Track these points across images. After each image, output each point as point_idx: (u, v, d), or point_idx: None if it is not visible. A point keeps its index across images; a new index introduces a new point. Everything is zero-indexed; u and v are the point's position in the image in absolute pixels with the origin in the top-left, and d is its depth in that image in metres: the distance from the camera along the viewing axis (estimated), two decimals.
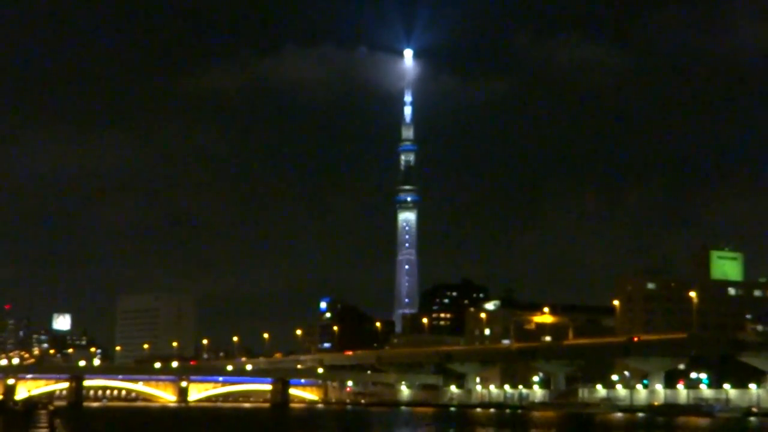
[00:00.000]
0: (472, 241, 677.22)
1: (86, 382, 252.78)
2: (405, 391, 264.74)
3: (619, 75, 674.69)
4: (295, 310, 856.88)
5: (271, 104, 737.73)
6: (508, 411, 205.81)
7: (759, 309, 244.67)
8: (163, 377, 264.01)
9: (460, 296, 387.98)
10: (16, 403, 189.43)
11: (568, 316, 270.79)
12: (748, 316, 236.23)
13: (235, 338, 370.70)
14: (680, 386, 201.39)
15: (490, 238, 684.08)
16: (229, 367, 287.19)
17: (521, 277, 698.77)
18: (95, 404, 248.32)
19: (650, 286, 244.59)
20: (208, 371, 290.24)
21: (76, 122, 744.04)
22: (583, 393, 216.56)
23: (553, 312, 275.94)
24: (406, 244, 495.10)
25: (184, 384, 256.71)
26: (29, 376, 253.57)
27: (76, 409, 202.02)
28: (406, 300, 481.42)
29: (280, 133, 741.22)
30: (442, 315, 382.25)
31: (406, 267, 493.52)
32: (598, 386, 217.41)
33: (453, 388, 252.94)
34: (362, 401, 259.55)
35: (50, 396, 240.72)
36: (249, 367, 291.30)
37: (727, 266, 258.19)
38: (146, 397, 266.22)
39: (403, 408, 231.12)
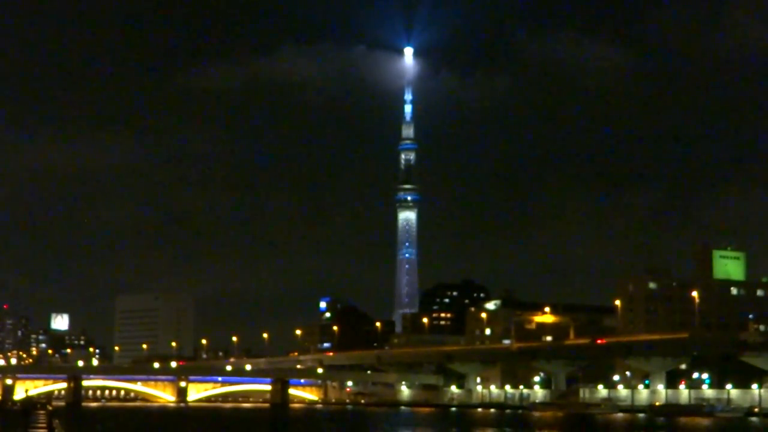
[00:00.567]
0: (473, 240, 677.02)
1: (85, 382, 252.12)
2: (405, 391, 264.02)
3: (620, 74, 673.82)
4: (294, 310, 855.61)
5: (270, 103, 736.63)
6: (508, 411, 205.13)
7: (761, 309, 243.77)
8: (162, 377, 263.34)
9: (461, 296, 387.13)
10: (14, 403, 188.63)
11: (569, 316, 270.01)
12: (751, 316, 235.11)
13: (234, 338, 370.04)
14: (682, 386, 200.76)
15: (491, 238, 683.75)
16: (229, 367, 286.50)
17: (522, 277, 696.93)
18: (94, 404, 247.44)
19: (652, 285, 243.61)
20: (207, 371, 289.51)
21: (74, 122, 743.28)
22: (584, 393, 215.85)
23: (554, 312, 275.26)
24: (407, 244, 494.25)
25: (183, 384, 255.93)
26: (28, 376, 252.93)
27: (75, 410, 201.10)
28: (406, 300, 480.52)
29: (279, 132, 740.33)
30: (443, 315, 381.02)
31: (406, 266, 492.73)
32: (600, 386, 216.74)
33: (453, 388, 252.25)
34: (362, 401, 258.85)
35: (49, 396, 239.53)
36: (248, 367, 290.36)
37: (729, 266, 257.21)
38: (145, 397, 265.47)
39: (403, 408, 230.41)
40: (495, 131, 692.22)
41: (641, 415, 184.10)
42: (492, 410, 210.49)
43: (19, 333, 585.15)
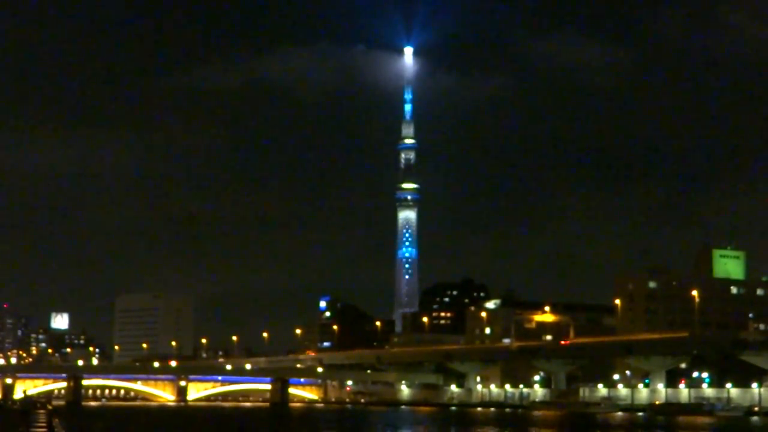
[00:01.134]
0: (473, 239, 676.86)
1: (85, 382, 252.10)
2: (405, 390, 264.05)
3: (619, 73, 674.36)
4: (294, 310, 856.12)
5: (270, 103, 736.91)
6: (508, 410, 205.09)
7: (761, 308, 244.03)
8: (162, 377, 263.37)
9: (461, 295, 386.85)
10: (14, 402, 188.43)
11: (569, 315, 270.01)
12: (751, 315, 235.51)
13: (234, 337, 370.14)
14: (682, 385, 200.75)
15: (491, 237, 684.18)
16: (229, 367, 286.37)
17: (522, 276, 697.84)
18: (94, 404, 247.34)
19: (652, 284, 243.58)
20: (207, 370, 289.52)
21: (74, 122, 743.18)
22: (584, 392, 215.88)
23: (553, 311, 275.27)
24: (407, 243, 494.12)
25: (183, 383, 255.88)
26: (28, 375, 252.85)
27: (75, 409, 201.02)
28: (406, 299, 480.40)
29: (278, 132, 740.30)
30: (443, 314, 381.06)
31: (406, 266, 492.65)
32: (599, 385, 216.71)
33: (453, 388, 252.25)
34: (362, 400, 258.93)
35: (49, 395, 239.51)
36: (248, 366, 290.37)
37: (729, 265, 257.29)
38: (145, 397, 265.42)
39: (403, 407, 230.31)
40: (494, 130, 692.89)
41: (641, 414, 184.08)
42: (492, 409, 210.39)
43: (19, 332, 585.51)
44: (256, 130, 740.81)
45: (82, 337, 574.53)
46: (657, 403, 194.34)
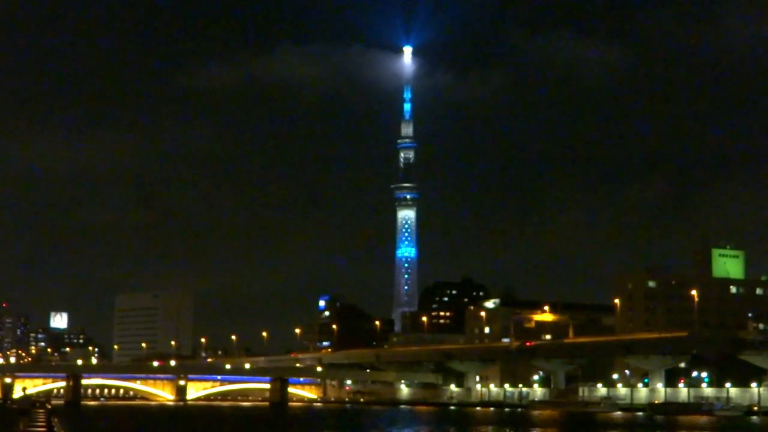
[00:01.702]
0: (472, 238, 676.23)
1: (84, 381, 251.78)
2: (404, 389, 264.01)
3: (618, 72, 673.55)
4: (293, 309, 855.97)
5: (268, 102, 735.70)
6: (507, 410, 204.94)
7: (760, 307, 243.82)
8: (161, 376, 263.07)
9: (460, 294, 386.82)
10: (13, 401, 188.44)
11: (569, 315, 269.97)
12: (750, 315, 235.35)
13: (233, 337, 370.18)
14: (681, 385, 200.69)
15: (490, 236, 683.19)
16: (228, 366, 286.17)
17: (521, 275, 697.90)
18: (93, 403, 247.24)
19: (651, 284, 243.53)
20: (206, 370, 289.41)
21: (71, 121, 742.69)
22: (583, 391, 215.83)
23: (553, 310, 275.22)
24: (406, 242, 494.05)
25: (182, 383, 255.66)
26: (27, 374, 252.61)
27: (74, 408, 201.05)
28: (406, 298, 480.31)
29: (277, 132, 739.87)
30: (442, 313, 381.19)
31: (406, 265, 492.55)
32: (599, 385, 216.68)
33: (453, 387, 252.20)
34: (361, 400, 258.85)
35: (48, 395, 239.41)
36: (247, 365, 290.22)
37: (728, 264, 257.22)
38: (144, 396, 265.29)
39: (402, 407, 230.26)
40: (494, 130, 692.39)
41: (640, 413, 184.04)
42: (491, 409, 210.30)
43: (18, 332, 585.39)
44: (253, 130, 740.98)
45: (82, 336, 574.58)
46: (656, 402, 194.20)
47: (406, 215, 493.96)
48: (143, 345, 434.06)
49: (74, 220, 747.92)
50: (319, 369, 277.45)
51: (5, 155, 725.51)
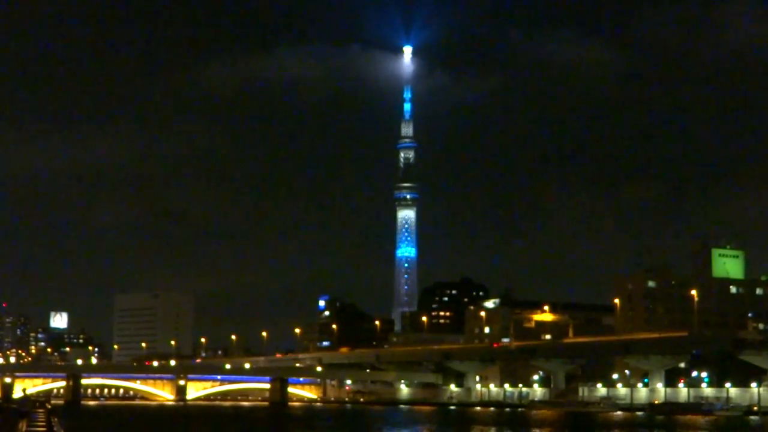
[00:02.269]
0: (472, 239, 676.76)
1: (84, 381, 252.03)
2: (404, 389, 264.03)
3: (617, 72, 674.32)
4: (293, 309, 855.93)
5: (268, 102, 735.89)
6: (507, 410, 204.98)
7: (760, 307, 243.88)
8: (161, 376, 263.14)
9: (460, 294, 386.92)
10: (13, 401, 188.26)
11: (568, 315, 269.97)
12: (750, 315, 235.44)
13: (233, 337, 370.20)
14: (681, 385, 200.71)
15: (490, 236, 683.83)
16: (228, 366, 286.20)
17: (521, 275, 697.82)
18: (93, 403, 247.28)
19: (651, 284, 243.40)
20: (206, 370, 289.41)
21: (74, 121, 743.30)
22: (583, 391, 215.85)
23: (553, 310, 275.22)
24: (406, 242, 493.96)
25: (182, 382, 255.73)
26: (27, 374, 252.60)
27: (74, 408, 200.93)
28: (405, 298, 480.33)
29: (277, 132, 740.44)
30: (442, 313, 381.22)
31: (405, 265, 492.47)
32: (599, 385, 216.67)
33: (452, 387, 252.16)
34: (361, 400, 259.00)
35: (48, 395, 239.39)
36: (247, 365, 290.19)
37: (728, 264, 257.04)
38: (144, 396, 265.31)
39: (402, 407, 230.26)
40: (493, 130, 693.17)
41: (640, 413, 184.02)
42: (491, 409, 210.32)
43: (18, 331, 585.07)
44: (254, 130, 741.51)
45: (81, 336, 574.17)
46: (656, 402, 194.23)
47: (406, 215, 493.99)
48: (143, 345, 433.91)
49: (74, 220, 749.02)
50: (319, 369, 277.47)
51: (6, 155, 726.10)
